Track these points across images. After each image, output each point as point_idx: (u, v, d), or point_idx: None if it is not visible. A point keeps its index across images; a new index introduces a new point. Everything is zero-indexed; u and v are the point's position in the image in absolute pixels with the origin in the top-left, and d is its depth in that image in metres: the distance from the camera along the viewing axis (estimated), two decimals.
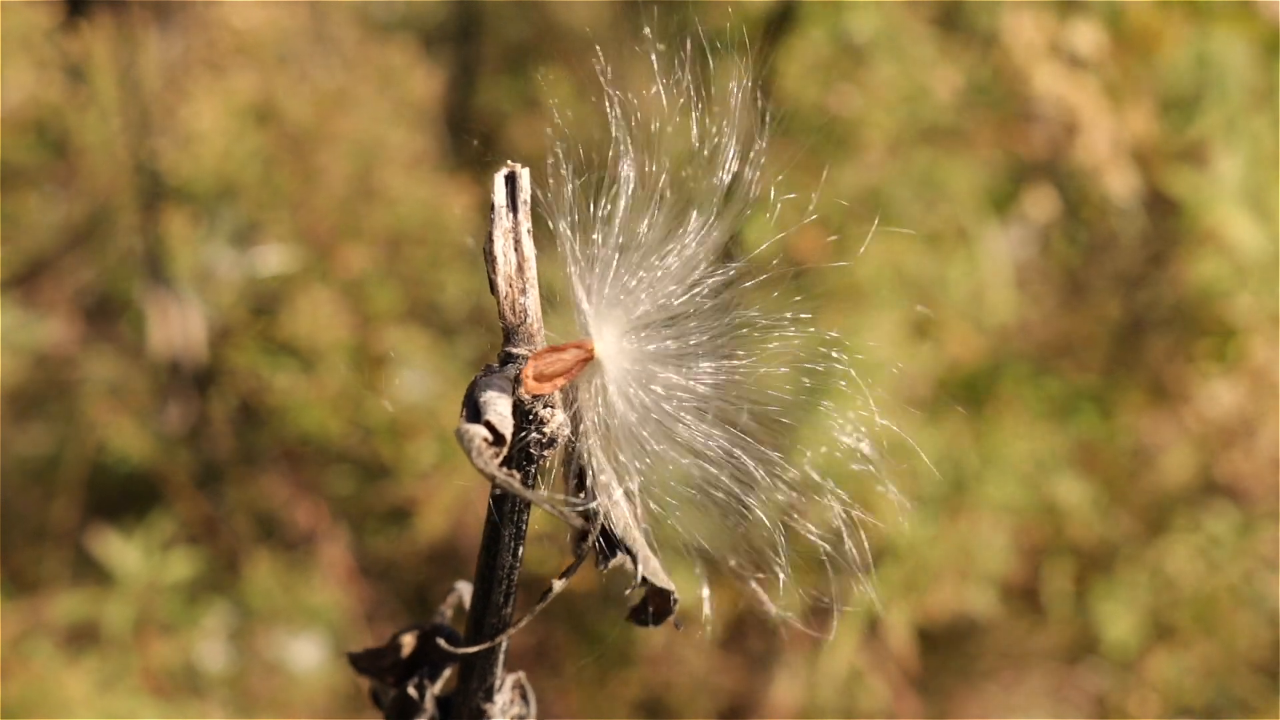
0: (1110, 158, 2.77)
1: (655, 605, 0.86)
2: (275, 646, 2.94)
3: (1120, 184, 2.79)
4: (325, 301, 2.91)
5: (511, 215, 0.79)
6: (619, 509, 0.82)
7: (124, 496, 3.19)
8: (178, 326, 3.11)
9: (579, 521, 0.80)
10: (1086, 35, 2.76)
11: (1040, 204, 2.97)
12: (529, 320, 0.78)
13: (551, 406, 0.78)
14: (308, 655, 2.92)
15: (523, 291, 0.78)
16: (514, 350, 0.78)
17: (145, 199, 3.06)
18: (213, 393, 3.12)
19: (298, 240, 2.97)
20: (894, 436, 2.69)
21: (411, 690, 0.90)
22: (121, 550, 2.87)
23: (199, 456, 3.19)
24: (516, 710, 0.91)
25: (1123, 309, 3.15)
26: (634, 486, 0.83)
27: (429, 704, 0.90)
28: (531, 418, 0.78)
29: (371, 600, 3.11)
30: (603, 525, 0.81)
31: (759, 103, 2.81)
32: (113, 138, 3.08)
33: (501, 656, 0.88)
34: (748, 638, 3.12)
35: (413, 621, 2.83)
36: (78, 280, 3.50)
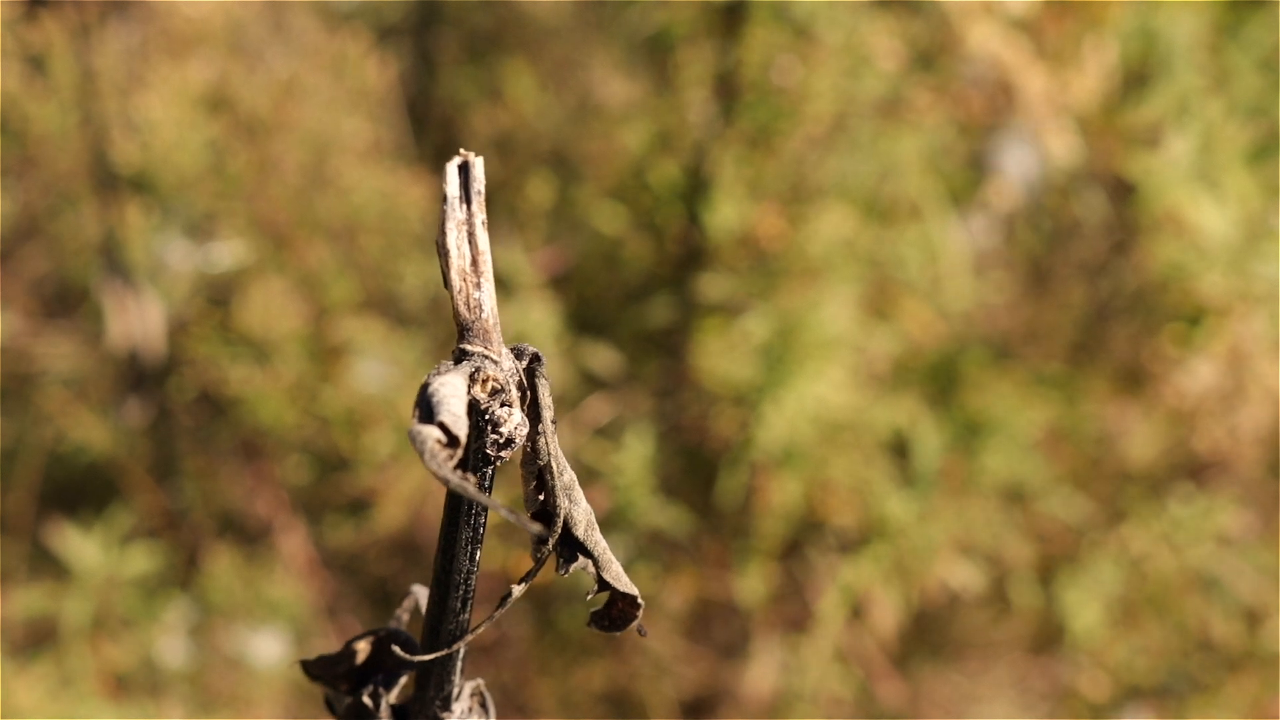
0: (1048, 117, 2.77)
1: (618, 610, 0.83)
2: (236, 641, 2.91)
3: (1061, 146, 2.79)
4: (281, 292, 2.88)
5: (465, 207, 0.76)
6: (580, 510, 0.80)
7: (82, 490, 3.16)
8: (136, 318, 3.09)
9: (537, 528, 0.78)
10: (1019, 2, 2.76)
11: (1002, 193, 2.97)
12: (484, 315, 0.76)
13: (509, 405, 0.76)
14: (268, 650, 2.90)
15: (477, 286, 0.76)
16: (468, 347, 0.75)
17: (101, 189, 3.03)
18: (171, 385, 3.10)
19: (253, 230, 2.95)
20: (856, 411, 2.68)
21: (366, 699, 0.88)
22: (79, 544, 2.84)
23: (158, 449, 3.17)
24: (475, 719, 0.89)
25: (1087, 296, 3.15)
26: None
27: (384, 713, 0.88)
28: (488, 417, 0.75)
29: (333, 592, 3.09)
30: (563, 528, 0.79)
31: (715, 87, 2.81)
32: (71, 128, 3.05)
33: (460, 664, 0.85)
34: (713, 626, 3.11)
35: (373, 613, 2.81)
36: (35, 272, 3.47)
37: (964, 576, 2.81)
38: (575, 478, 0.79)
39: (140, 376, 3.14)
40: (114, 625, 2.87)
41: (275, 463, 3.09)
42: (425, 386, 0.72)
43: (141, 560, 2.86)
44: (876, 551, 2.75)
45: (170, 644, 2.91)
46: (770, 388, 2.63)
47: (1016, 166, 2.83)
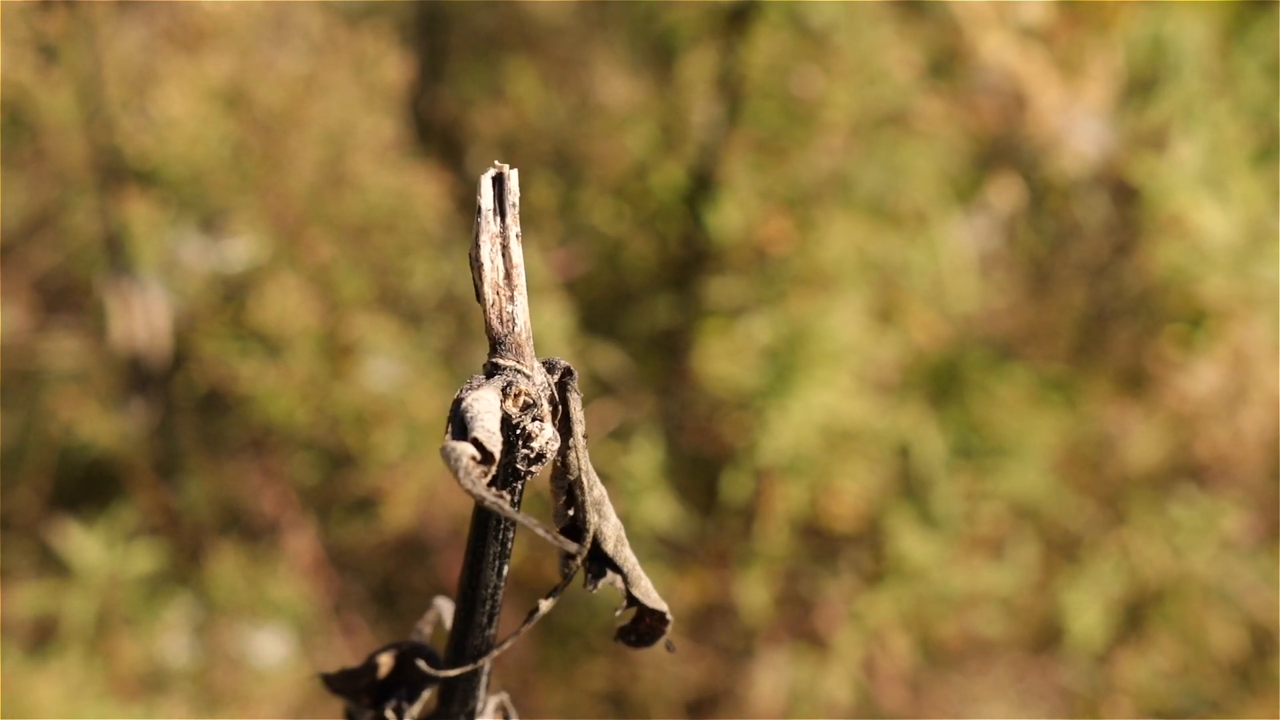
0: (1062, 128, 2.77)
1: (646, 626, 0.83)
2: (239, 640, 2.91)
3: (1074, 157, 2.80)
4: (293, 289, 2.88)
5: (499, 219, 0.75)
6: (610, 525, 0.79)
7: (86, 487, 3.16)
8: (140, 315, 3.08)
9: (572, 546, 0.78)
10: (1034, 6, 2.76)
11: (1005, 193, 2.97)
12: (517, 329, 0.75)
13: (540, 420, 0.75)
14: (272, 649, 2.90)
15: (510, 299, 0.75)
16: (501, 361, 0.75)
17: (109, 184, 3.02)
18: (178, 381, 3.09)
19: (266, 227, 2.94)
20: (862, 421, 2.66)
21: (389, 713, 0.88)
22: (82, 542, 2.84)
23: (163, 446, 3.16)
24: None
25: (1088, 298, 3.15)
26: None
27: None
28: (519, 432, 0.75)
29: (337, 591, 3.09)
30: (593, 543, 0.79)
31: (720, 89, 2.80)
32: (82, 120, 3.04)
33: (485, 679, 0.85)
34: (715, 628, 3.10)
35: (379, 612, 2.80)
36: (41, 266, 3.46)
37: (982, 623, 2.82)
38: (605, 493, 0.79)
39: (145, 374, 3.13)
40: (117, 623, 2.87)
41: (283, 460, 3.09)
42: (458, 402, 0.71)
43: (145, 558, 2.86)
44: (895, 594, 2.75)
45: (173, 642, 2.91)
46: (776, 395, 2.63)
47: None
